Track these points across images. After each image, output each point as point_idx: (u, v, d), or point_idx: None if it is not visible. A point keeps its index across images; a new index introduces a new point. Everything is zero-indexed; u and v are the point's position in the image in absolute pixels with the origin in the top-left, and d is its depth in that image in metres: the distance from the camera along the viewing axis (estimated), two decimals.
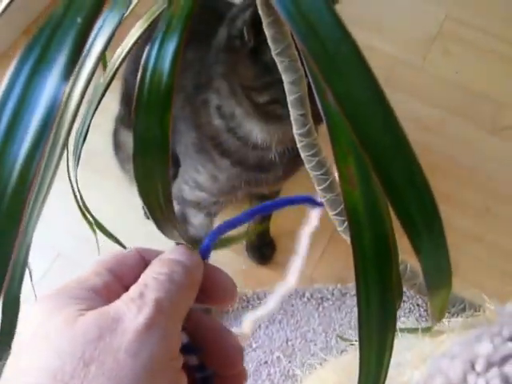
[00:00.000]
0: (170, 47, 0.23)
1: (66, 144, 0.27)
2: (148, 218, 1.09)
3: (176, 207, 0.91)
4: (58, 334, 0.24)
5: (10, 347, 0.27)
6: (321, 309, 0.96)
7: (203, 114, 0.79)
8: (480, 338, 0.24)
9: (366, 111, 0.20)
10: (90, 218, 0.40)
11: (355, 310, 0.78)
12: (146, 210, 0.27)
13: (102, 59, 0.39)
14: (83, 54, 0.27)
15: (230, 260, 1.05)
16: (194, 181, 0.87)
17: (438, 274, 0.24)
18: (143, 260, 0.29)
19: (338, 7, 0.77)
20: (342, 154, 0.24)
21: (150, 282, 0.26)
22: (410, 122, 1.29)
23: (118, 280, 0.28)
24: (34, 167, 0.18)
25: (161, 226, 0.28)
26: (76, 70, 0.26)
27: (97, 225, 0.39)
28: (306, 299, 0.97)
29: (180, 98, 0.82)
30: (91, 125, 0.36)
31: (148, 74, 0.23)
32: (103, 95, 0.33)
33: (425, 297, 0.46)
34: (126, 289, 0.27)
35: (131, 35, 0.36)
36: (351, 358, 0.45)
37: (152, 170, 0.26)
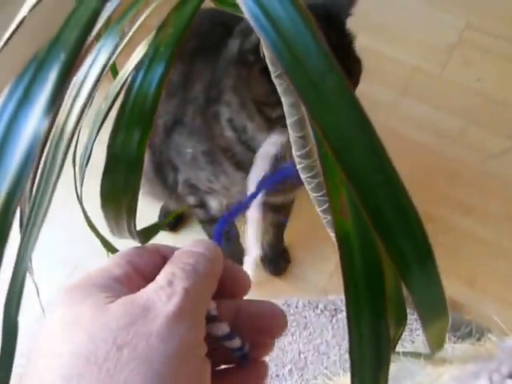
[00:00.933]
0: (156, 74, 0.24)
1: (62, 167, 0.28)
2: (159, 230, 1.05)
3: (192, 198, 0.92)
4: (89, 320, 0.25)
5: (10, 369, 0.28)
6: (334, 321, 0.95)
7: (215, 126, 0.79)
8: (478, 374, 0.24)
9: (352, 146, 0.20)
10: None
11: None
12: (107, 224, 0.28)
13: (112, 72, 0.39)
14: (80, 81, 0.27)
15: None
16: (207, 187, 0.88)
17: (432, 309, 0.23)
18: (161, 255, 0.30)
19: (352, 18, 0.76)
20: (334, 185, 0.24)
21: (178, 271, 0.27)
22: (430, 130, 1.29)
23: (137, 272, 0.29)
24: (16, 201, 0.18)
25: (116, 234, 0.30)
26: (72, 97, 0.27)
27: (100, 239, 0.40)
28: (319, 311, 0.96)
29: (190, 109, 0.82)
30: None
31: (131, 97, 0.24)
32: (105, 119, 0.33)
33: None
34: (145, 280, 0.28)
35: (134, 57, 0.37)
36: None
37: (120, 188, 0.27)
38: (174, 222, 1.13)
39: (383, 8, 1.40)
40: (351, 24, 0.71)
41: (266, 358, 0.32)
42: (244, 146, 0.79)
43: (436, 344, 0.26)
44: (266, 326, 0.31)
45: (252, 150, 0.79)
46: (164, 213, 1.13)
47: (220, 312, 0.29)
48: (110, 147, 0.25)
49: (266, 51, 0.34)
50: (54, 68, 0.19)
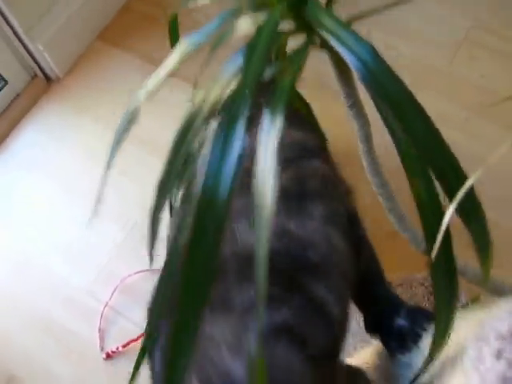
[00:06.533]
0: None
1: None
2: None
3: None
4: None
5: None
6: None
7: None
8: None
9: (424, 139, 0.35)
10: None
11: None
12: None
13: None
14: None
15: None
16: None
17: (482, 240, 0.38)
18: None
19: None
20: (411, 170, 0.39)
21: None
22: (436, 119, 1.40)
23: None
24: (235, 182, 0.33)
25: None
26: None
27: None
28: None
29: None
30: None
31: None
32: None
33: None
34: None
35: None
36: None
37: None
38: None
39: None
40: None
41: None
42: None
43: (486, 271, 0.41)
44: None
45: None
46: None
47: None
48: None
49: (342, 89, 0.50)
50: (244, 103, 0.34)
